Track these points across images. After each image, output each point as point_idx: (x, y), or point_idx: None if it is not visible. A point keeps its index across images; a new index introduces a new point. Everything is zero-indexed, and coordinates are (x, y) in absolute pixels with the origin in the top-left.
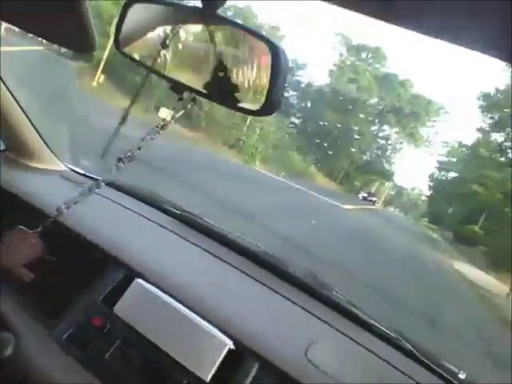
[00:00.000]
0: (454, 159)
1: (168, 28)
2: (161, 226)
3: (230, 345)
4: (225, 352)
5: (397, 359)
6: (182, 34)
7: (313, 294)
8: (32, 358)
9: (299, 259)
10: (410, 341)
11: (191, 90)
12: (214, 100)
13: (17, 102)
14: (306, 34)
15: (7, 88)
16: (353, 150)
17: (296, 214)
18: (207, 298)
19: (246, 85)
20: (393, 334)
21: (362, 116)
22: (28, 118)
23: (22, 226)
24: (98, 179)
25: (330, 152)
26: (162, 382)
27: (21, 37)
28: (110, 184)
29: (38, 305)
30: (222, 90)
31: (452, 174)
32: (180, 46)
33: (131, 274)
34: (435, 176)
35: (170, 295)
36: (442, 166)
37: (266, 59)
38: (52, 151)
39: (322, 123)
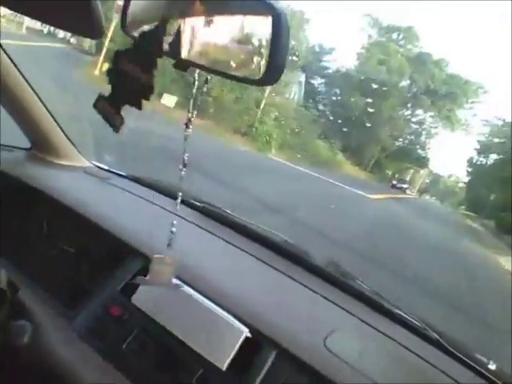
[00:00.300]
0: (496, 140)
1: (173, 6)
2: (181, 217)
3: (247, 332)
4: (241, 340)
5: (422, 349)
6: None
7: (335, 283)
8: (50, 346)
9: (321, 249)
10: (437, 330)
11: (195, 65)
12: (217, 73)
13: (40, 100)
14: (332, 17)
15: (31, 87)
16: (383, 136)
17: (312, 205)
18: (224, 287)
19: (246, 53)
20: (419, 324)
21: (393, 100)
22: (52, 115)
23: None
24: (121, 174)
25: (359, 139)
26: (179, 370)
27: (42, 36)
28: (130, 177)
29: (57, 295)
30: (223, 61)
31: (493, 157)
32: (181, 23)
33: (148, 264)
34: (474, 160)
35: (188, 284)
36: (483, 149)
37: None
38: (76, 148)
39: (350, 109)
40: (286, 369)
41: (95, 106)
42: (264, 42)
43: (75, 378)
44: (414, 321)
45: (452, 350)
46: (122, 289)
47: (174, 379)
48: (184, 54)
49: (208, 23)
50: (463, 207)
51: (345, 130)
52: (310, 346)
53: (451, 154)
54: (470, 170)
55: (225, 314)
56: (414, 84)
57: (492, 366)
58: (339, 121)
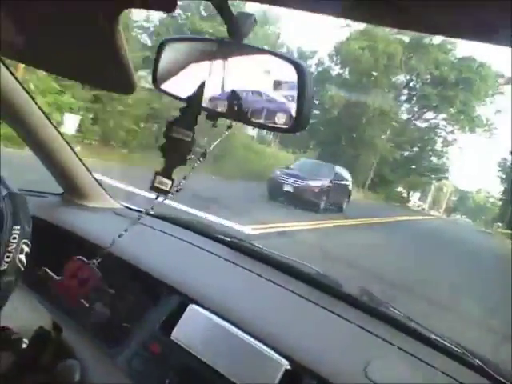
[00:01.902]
0: None
1: (200, 62)
2: (211, 253)
3: (286, 365)
4: (281, 372)
5: (464, 374)
6: (213, 65)
7: (369, 311)
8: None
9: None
10: (478, 355)
11: (223, 115)
12: (249, 123)
13: (70, 146)
14: (308, 20)
15: (60, 134)
16: (380, 143)
17: None
18: (261, 320)
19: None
20: (458, 349)
21: (383, 95)
22: (81, 160)
23: (81, 257)
24: (151, 213)
25: (343, 147)
26: None
27: None
28: (160, 216)
29: (98, 335)
30: (256, 111)
31: None
32: (212, 78)
33: (185, 301)
34: (509, 163)
35: (224, 319)
36: None
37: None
38: (105, 190)
39: (327, 111)
40: None
41: (152, 189)
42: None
43: None
44: (453, 346)
45: (495, 375)
46: (160, 326)
47: None
48: (216, 107)
49: (233, 77)
50: (499, 224)
51: (325, 137)
52: (350, 376)
53: (475, 163)
54: (503, 175)
55: (264, 347)
56: (412, 74)
57: None
58: (316, 127)
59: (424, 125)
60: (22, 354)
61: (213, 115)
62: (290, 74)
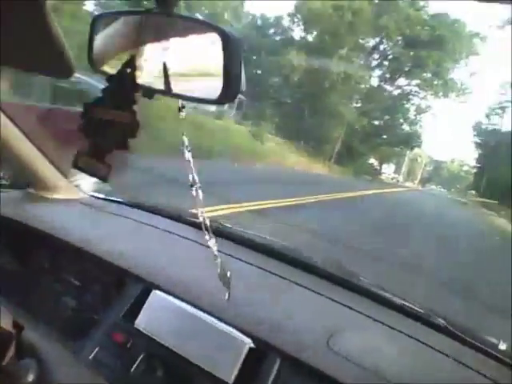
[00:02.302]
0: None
1: (132, 37)
2: (178, 235)
3: (250, 343)
4: (245, 351)
5: (431, 337)
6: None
7: (338, 282)
8: (58, 380)
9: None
10: (443, 317)
11: (158, 91)
12: (177, 96)
13: (28, 137)
14: None
15: (17, 125)
16: (348, 112)
17: None
18: (221, 300)
19: (202, 75)
20: (424, 312)
21: (352, 54)
22: (43, 152)
23: None
24: (118, 201)
25: (305, 116)
26: None
27: None
28: (125, 202)
29: (61, 330)
30: (182, 85)
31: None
32: (143, 53)
33: (149, 287)
34: (483, 127)
35: (188, 303)
36: (493, 109)
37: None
38: (70, 181)
39: (289, 78)
40: (292, 374)
41: (75, 165)
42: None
43: None
44: (419, 309)
45: (460, 334)
46: (123, 315)
47: None
48: (148, 83)
49: (164, 50)
50: (473, 192)
51: (286, 107)
52: (312, 349)
53: (449, 131)
54: (478, 140)
55: (227, 327)
56: (381, 34)
57: (502, 346)
58: (275, 95)
59: (396, 91)
60: None
61: (148, 93)
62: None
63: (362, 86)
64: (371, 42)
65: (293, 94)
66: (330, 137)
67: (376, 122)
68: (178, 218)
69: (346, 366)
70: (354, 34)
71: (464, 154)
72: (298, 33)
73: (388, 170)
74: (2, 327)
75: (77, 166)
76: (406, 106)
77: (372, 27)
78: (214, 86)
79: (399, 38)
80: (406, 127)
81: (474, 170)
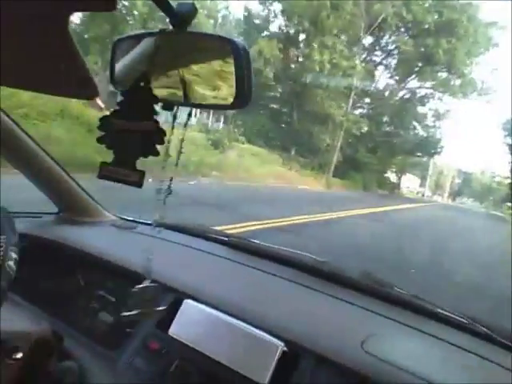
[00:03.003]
0: None
1: (151, 55)
2: (207, 252)
3: (282, 346)
4: (278, 354)
5: (471, 343)
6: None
7: (373, 293)
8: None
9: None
10: (485, 324)
11: (177, 103)
12: (195, 106)
13: (60, 166)
14: None
15: (49, 155)
16: (338, 115)
17: None
18: (256, 308)
19: (217, 83)
20: (464, 320)
21: (341, 41)
22: (73, 178)
23: None
24: (146, 222)
25: (295, 126)
26: None
27: None
28: (155, 224)
29: (99, 341)
30: (199, 94)
31: None
32: (160, 69)
33: (181, 297)
34: None
35: (220, 310)
36: None
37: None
38: (100, 205)
39: (262, 74)
40: (327, 376)
41: (100, 176)
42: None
43: None
44: (458, 318)
45: (502, 340)
46: (157, 325)
47: None
48: (167, 96)
49: (181, 64)
50: (509, 205)
51: (262, 109)
52: (346, 350)
53: (476, 138)
54: (509, 141)
55: (259, 332)
56: (376, 21)
57: None
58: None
59: (407, 93)
60: (24, 362)
61: (168, 105)
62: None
63: (356, 80)
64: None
65: (269, 93)
66: (322, 145)
67: (385, 128)
68: (203, 235)
69: (380, 367)
70: (339, 17)
71: (494, 165)
72: (276, 23)
73: (411, 184)
74: (42, 337)
75: (102, 176)
76: (420, 108)
77: (365, 14)
78: (228, 94)
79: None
80: (421, 132)
81: (508, 181)
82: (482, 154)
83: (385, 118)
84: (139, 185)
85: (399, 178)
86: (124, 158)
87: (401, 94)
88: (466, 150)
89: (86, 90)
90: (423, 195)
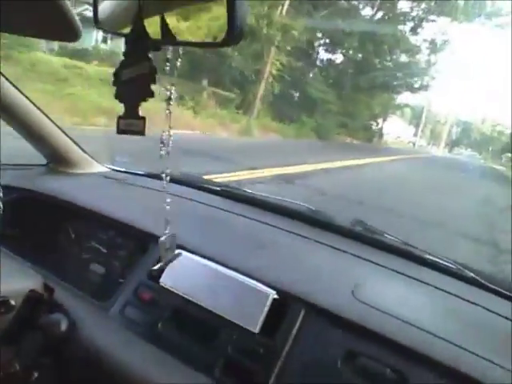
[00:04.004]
0: None
1: None
2: (200, 202)
3: (273, 294)
4: (269, 302)
5: (459, 288)
6: None
7: (362, 240)
8: (90, 336)
9: None
10: (471, 269)
11: (166, 43)
12: (185, 44)
13: (47, 116)
14: None
15: (37, 107)
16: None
17: None
18: (247, 257)
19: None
20: (452, 265)
21: None
22: (61, 129)
23: None
24: (137, 173)
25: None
26: (215, 340)
27: None
28: (147, 174)
29: (90, 291)
30: (188, 32)
31: None
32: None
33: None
34: None
35: (211, 260)
36: None
37: None
38: (91, 156)
39: None
40: (317, 323)
41: (119, 131)
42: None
43: (118, 360)
44: (446, 263)
45: (489, 284)
46: (149, 274)
47: (210, 349)
48: (154, 36)
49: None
50: (509, 155)
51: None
52: (336, 298)
53: (477, 79)
54: None
55: (250, 280)
56: None
57: None
58: None
59: (385, 12)
60: (16, 315)
61: (155, 45)
62: None
63: None
64: None
65: None
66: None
67: (356, 56)
68: (195, 185)
69: (371, 314)
70: None
71: (497, 112)
72: None
73: (404, 133)
74: (33, 290)
75: (120, 131)
76: (413, 38)
77: None
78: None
79: None
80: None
81: (509, 130)
82: (484, 98)
83: (355, 43)
84: (143, 133)
85: (377, 125)
86: (131, 107)
87: (380, 14)
88: (466, 93)
89: (69, 32)
90: (414, 145)
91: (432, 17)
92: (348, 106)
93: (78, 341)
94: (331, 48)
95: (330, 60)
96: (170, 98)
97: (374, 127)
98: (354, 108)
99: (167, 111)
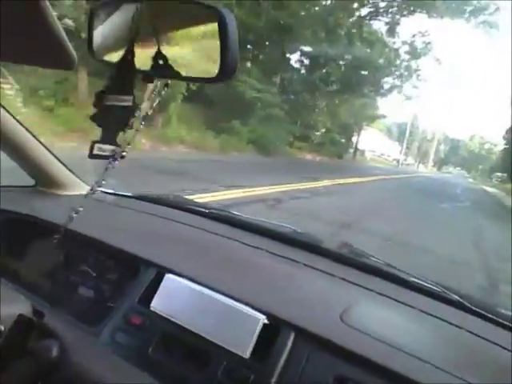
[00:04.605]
0: None
1: (131, 24)
2: (188, 225)
3: (263, 319)
4: (259, 327)
5: (444, 311)
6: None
7: (349, 263)
8: (79, 361)
9: None
10: (457, 292)
11: (160, 76)
12: (178, 78)
13: (36, 138)
14: None
15: (24, 127)
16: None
17: None
18: (237, 281)
19: (201, 55)
20: (437, 288)
21: None
22: (49, 150)
23: None
24: (126, 195)
25: None
26: (205, 365)
27: None
28: (136, 196)
29: (80, 316)
30: (182, 67)
31: None
32: (141, 39)
33: (162, 272)
34: None
35: (201, 284)
36: None
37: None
38: (78, 177)
39: None
40: (307, 348)
41: (91, 155)
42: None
43: None
44: (432, 286)
45: (474, 308)
46: (139, 300)
47: (200, 374)
48: (147, 68)
49: (162, 35)
50: (498, 175)
51: None
52: (326, 323)
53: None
54: None
55: (240, 305)
56: None
57: None
58: None
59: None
60: (5, 341)
61: (147, 77)
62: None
63: None
64: None
65: None
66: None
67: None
68: (183, 207)
69: (360, 338)
70: None
71: (484, 130)
72: None
73: (389, 151)
74: (21, 314)
75: (93, 156)
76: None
77: None
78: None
79: None
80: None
81: (498, 148)
82: (472, 113)
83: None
84: (122, 157)
85: (350, 139)
86: (108, 133)
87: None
88: (453, 106)
89: (63, 59)
90: (398, 163)
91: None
92: (302, 113)
93: (68, 367)
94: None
95: (273, 47)
96: None
97: (343, 141)
98: (309, 115)
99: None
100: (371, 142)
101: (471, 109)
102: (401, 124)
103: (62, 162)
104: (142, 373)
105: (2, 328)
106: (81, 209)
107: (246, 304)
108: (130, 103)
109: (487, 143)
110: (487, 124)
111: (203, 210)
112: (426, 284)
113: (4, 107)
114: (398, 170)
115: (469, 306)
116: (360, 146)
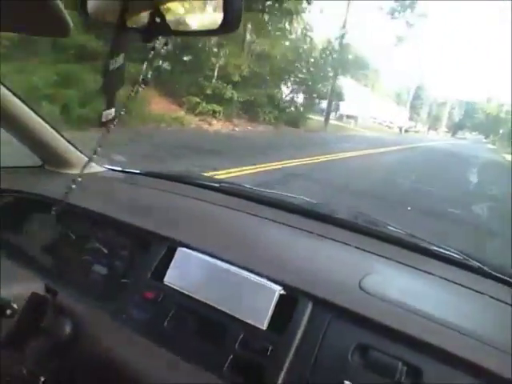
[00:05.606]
0: None
1: None
2: (200, 199)
3: (280, 290)
4: (276, 298)
5: (465, 278)
6: None
7: (366, 232)
8: (95, 337)
9: None
10: (477, 258)
11: (160, 33)
12: (179, 33)
13: (42, 118)
14: None
15: (30, 108)
16: None
17: None
18: (251, 253)
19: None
20: (457, 255)
21: None
22: (57, 130)
23: None
24: (134, 172)
25: None
26: (222, 338)
27: None
28: (145, 173)
29: (94, 293)
30: (183, 21)
31: None
32: None
33: (174, 246)
34: None
35: (215, 257)
36: None
37: None
38: (86, 155)
39: None
40: (326, 317)
41: (101, 124)
42: None
43: (124, 361)
44: (452, 253)
45: (495, 273)
46: (152, 274)
47: (217, 347)
48: (147, 26)
49: None
50: None
51: None
52: (344, 291)
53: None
54: None
55: (256, 277)
56: None
57: None
58: None
59: None
60: (19, 319)
61: (146, 36)
62: None
63: None
64: None
65: None
66: None
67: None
68: (194, 182)
69: (380, 306)
70: None
71: (501, 93)
72: None
73: (392, 117)
74: (35, 292)
75: (103, 123)
76: None
77: None
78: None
79: None
80: None
81: None
82: (486, 75)
83: None
84: (113, 121)
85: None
86: (110, 98)
87: None
88: (466, 69)
89: (58, 28)
90: (401, 131)
91: None
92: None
93: (84, 343)
94: None
95: None
96: None
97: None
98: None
99: None
100: (375, 109)
101: (487, 70)
102: (409, 89)
103: (68, 141)
104: (157, 347)
105: (16, 306)
106: (79, 179)
107: (262, 275)
108: (121, 62)
109: (505, 104)
110: (504, 86)
111: (214, 184)
112: (445, 252)
113: (10, 89)
114: (396, 140)
115: (489, 271)
116: (349, 112)
